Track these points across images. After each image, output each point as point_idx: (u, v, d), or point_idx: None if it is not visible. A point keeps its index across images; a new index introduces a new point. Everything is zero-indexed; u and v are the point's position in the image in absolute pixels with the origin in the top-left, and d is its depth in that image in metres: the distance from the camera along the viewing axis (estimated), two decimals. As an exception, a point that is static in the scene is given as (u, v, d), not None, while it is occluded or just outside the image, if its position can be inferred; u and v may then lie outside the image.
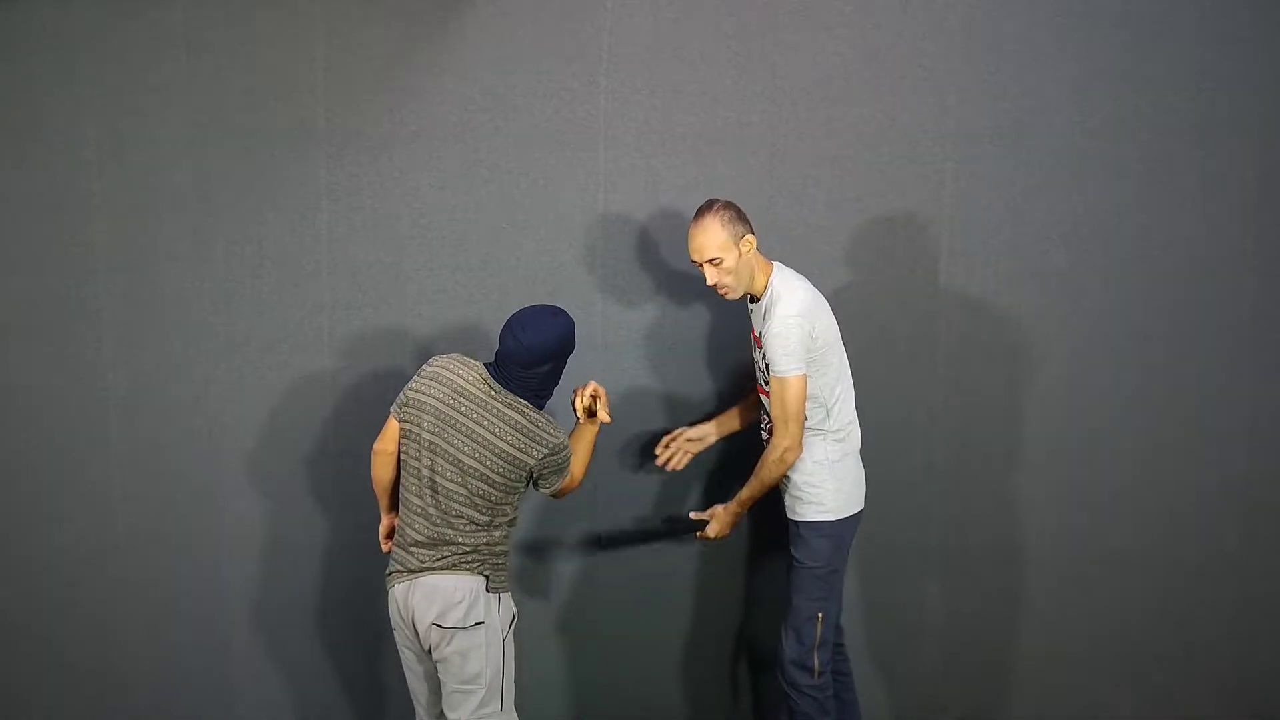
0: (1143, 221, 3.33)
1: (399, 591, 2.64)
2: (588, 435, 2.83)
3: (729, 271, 2.80)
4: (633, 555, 3.34)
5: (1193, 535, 3.44)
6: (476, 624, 2.57)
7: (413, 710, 2.84)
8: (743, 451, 3.22)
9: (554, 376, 2.67)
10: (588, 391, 2.79)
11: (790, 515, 2.97)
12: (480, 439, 2.56)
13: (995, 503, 3.41)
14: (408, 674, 2.76)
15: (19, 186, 3.10)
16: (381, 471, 2.77)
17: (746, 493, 2.95)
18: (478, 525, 2.59)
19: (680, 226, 3.25)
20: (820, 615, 2.91)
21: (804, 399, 2.83)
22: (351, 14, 3.11)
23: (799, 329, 2.79)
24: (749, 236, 2.81)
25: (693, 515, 3.09)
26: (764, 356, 2.88)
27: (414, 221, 3.20)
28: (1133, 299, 3.35)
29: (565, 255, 3.24)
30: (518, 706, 2.71)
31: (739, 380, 3.30)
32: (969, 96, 3.26)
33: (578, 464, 2.79)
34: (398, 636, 2.71)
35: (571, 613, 3.37)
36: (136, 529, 3.23)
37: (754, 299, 2.93)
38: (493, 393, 2.59)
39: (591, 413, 2.80)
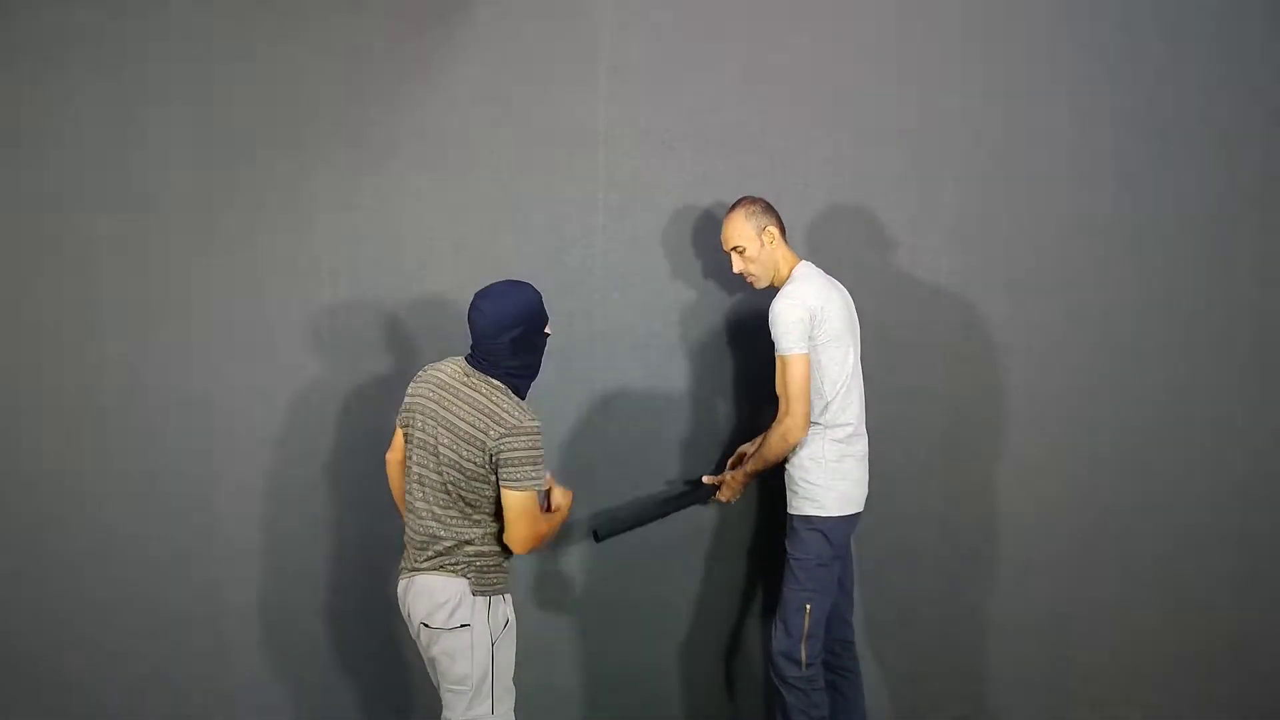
0: (1143, 222, 3.34)
1: (401, 589, 2.66)
2: (555, 518, 2.72)
3: (752, 260, 2.97)
4: (631, 555, 3.34)
5: (1193, 536, 3.45)
6: (462, 626, 2.56)
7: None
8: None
9: (525, 349, 2.59)
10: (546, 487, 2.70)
11: (788, 509, 3.03)
12: (452, 425, 2.55)
13: (995, 503, 3.41)
14: (427, 666, 2.77)
15: (19, 186, 3.10)
16: (393, 479, 2.82)
17: (751, 466, 3.05)
18: (456, 520, 2.57)
19: (680, 226, 3.26)
20: (808, 607, 2.94)
21: (806, 379, 2.88)
22: (351, 14, 3.11)
23: (794, 310, 2.87)
24: (771, 228, 2.96)
25: (705, 479, 3.18)
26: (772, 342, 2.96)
27: (414, 221, 3.20)
28: (1132, 299, 3.36)
29: (565, 255, 3.24)
30: (518, 708, 2.70)
31: (739, 379, 3.30)
32: (969, 96, 3.26)
33: (543, 523, 2.62)
34: (410, 631, 2.72)
35: (571, 614, 3.37)
36: (136, 530, 3.23)
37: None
38: (466, 378, 2.59)
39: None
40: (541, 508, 2.62)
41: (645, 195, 3.24)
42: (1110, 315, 3.36)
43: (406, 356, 3.23)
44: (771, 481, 3.27)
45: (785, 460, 3.00)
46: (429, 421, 2.59)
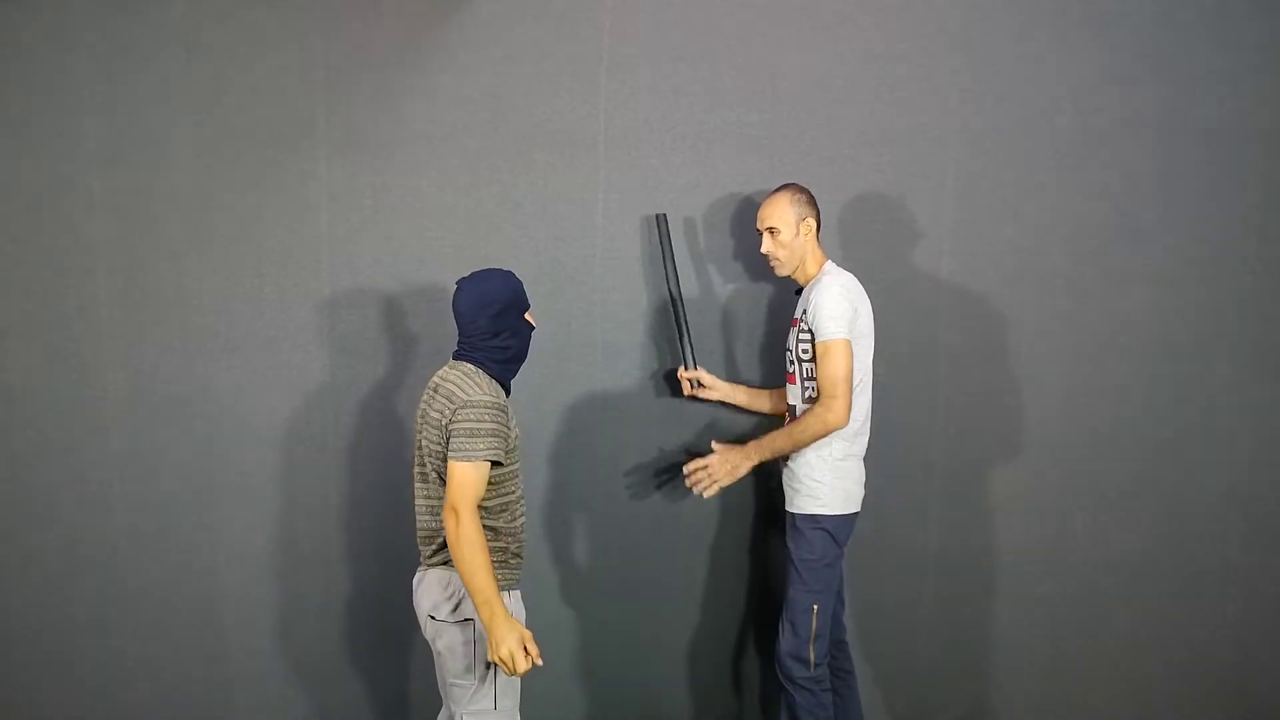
0: (1143, 221, 3.34)
1: (414, 582, 2.69)
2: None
3: (782, 246, 2.99)
4: (635, 552, 3.34)
5: (1193, 537, 3.44)
6: (465, 620, 2.57)
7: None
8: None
9: (505, 329, 2.60)
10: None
11: (789, 508, 3.01)
12: (426, 415, 2.60)
13: (994, 503, 3.41)
14: (435, 661, 2.77)
15: (19, 186, 3.10)
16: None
17: (774, 440, 2.94)
18: (440, 508, 2.59)
19: (680, 226, 3.25)
20: (815, 608, 2.93)
21: (850, 366, 2.88)
22: (351, 14, 3.11)
23: (842, 299, 2.89)
24: (810, 220, 2.99)
25: (715, 445, 3.05)
26: (802, 334, 2.95)
27: (414, 221, 3.20)
28: (1133, 299, 3.35)
29: (565, 255, 3.24)
30: (523, 707, 2.70)
31: (739, 379, 3.30)
32: (969, 96, 3.26)
33: (466, 507, 2.46)
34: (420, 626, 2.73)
35: (575, 612, 3.37)
36: (136, 529, 3.23)
37: (801, 288, 3.05)
38: (447, 372, 2.61)
39: None
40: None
41: (645, 195, 3.24)
42: (1111, 315, 3.35)
43: (406, 356, 3.23)
44: (768, 480, 3.28)
45: (786, 456, 3.00)
46: (418, 420, 2.63)
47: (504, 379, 2.64)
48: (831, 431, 2.90)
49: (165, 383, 3.19)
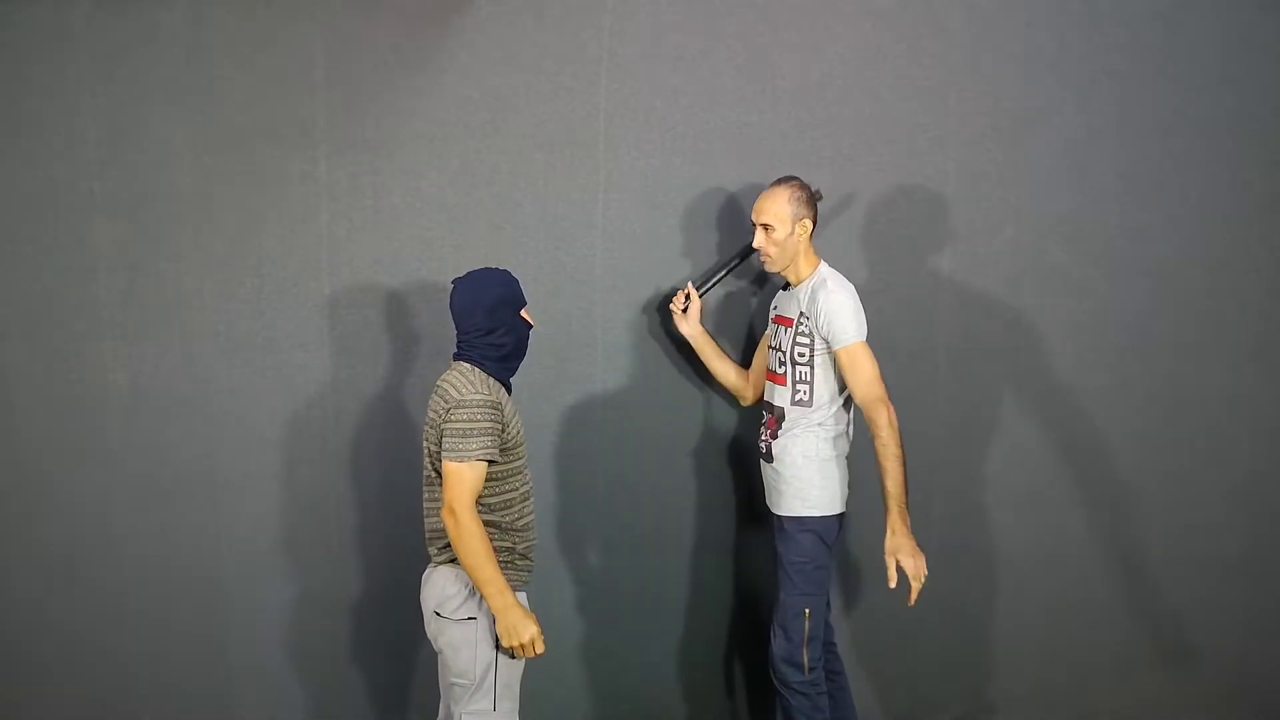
0: (1143, 221, 3.34)
1: (422, 579, 2.70)
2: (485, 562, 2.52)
3: (776, 243, 2.93)
4: (629, 559, 3.34)
5: (1193, 535, 3.44)
6: (469, 619, 2.57)
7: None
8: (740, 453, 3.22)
9: (501, 326, 2.61)
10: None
11: (776, 510, 2.99)
12: (429, 418, 2.62)
13: (994, 502, 3.41)
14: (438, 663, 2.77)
15: (19, 186, 3.10)
16: None
17: (896, 494, 2.80)
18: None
19: (680, 226, 3.25)
20: (807, 611, 2.92)
21: (875, 363, 2.87)
22: (351, 14, 3.11)
23: (855, 300, 2.90)
24: (806, 221, 2.93)
25: (890, 583, 2.84)
26: (801, 338, 2.91)
27: (414, 221, 3.20)
28: (1133, 299, 3.35)
29: (565, 255, 3.24)
30: (523, 707, 2.70)
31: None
32: (969, 96, 3.26)
33: (463, 504, 2.48)
34: (425, 624, 2.73)
35: (573, 613, 3.37)
36: (137, 529, 3.23)
37: (789, 285, 3.01)
38: (447, 374, 2.62)
39: None
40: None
41: (645, 195, 3.23)
42: (1111, 315, 3.35)
43: (406, 356, 3.23)
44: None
45: (769, 458, 2.98)
46: (424, 424, 2.65)
47: (502, 377, 2.65)
48: (896, 426, 2.83)
49: (165, 383, 3.19)
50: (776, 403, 2.99)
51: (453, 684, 2.61)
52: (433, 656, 2.84)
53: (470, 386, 2.54)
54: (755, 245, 2.97)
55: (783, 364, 2.97)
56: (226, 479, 3.23)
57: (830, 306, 2.87)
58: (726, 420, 3.32)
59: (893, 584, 2.83)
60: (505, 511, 2.62)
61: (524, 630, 2.51)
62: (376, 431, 3.25)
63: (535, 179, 3.20)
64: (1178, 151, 3.32)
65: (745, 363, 3.26)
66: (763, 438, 3.03)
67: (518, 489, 2.64)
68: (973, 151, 3.28)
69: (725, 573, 3.39)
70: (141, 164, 3.12)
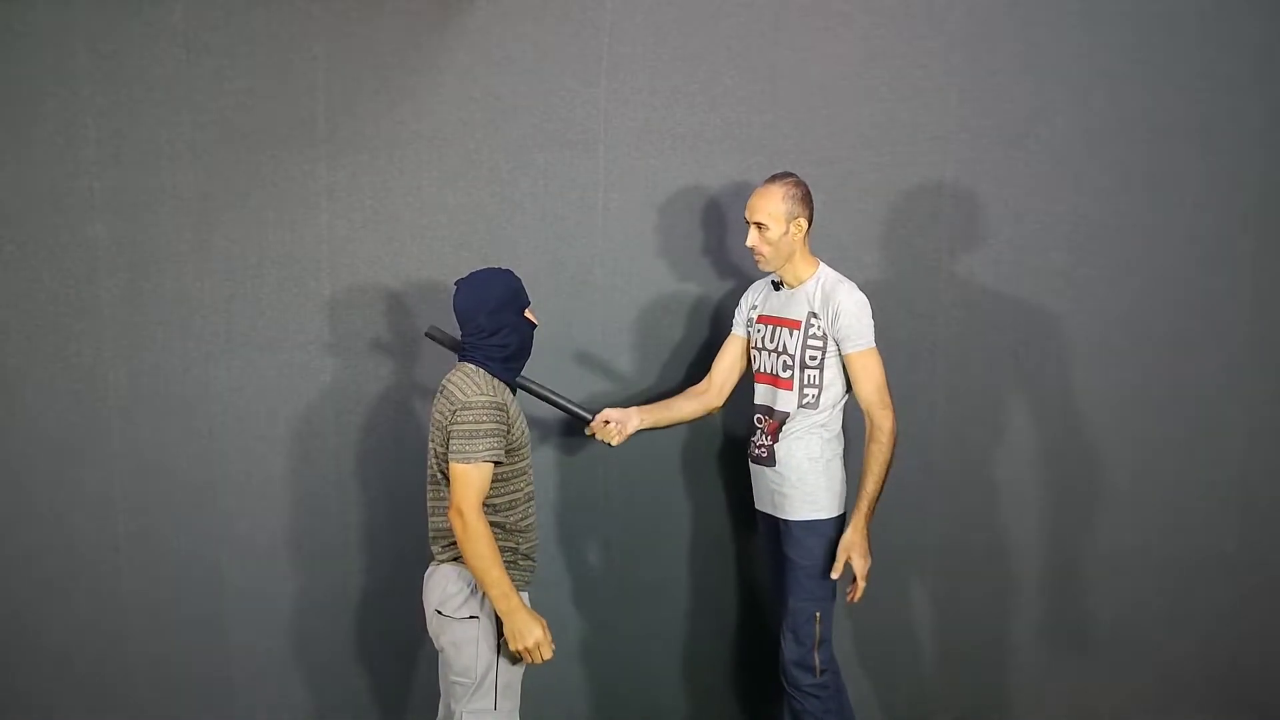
0: (1143, 221, 3.34)
1: (424, 578, 2.70)
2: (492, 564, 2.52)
3: (769, 242, 2.85)
4: (629, 559, 3.34)
5: (1191, 534, 3.45)
6: (470, 617, 2.57)
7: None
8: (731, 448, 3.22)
9: (504, 326, 2.61)
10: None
11: (781, 515, 2.96)
12: (434, 419, 2.62)
13: (993, 502, 3.41)
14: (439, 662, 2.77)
15: (19, 186, 3.10)
16: None
17: (868, 497, 2.83)
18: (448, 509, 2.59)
19: (680, 226, 3.25)
20: (818, 615, 2.91)
21: (883, 367, 2.87)
22: (351, 14, 3.11)
23: (866, 304, 2.87)
24: (801, 220, 2.86)
25: (834, 573, 2.87)
26: (812, 341, 2.87)
27: (414, 221, 3.20)
28: (1133, 299, 3.36)
29: (565, 255, 3.24)
30: (523, 707, 2.70)
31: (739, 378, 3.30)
32: (969, 96, 3.26)
33: (471, 506, 2.48)
34: (427, 622, 2.73)
35: (574, 613, 3.37)
36: (137, 529, 3.23)
37: (782, 284, 2.96)
38: (452, 375, 2.62)
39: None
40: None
41: (645, 195, 3.24)
42: (1112, 314, 3.36)
43: (406, 356, 3.23)
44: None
45: (768, 462, 2.95)
46: (429, 424, 2.65)
47: (507, 378, 2.65)
48: (896, 435, 2.85)
49: (166, 383, 3.19)
50: (780, 407, 2.93)
51: (454, 682, 2.61)
52: (434, 655, 2.84)
53: (475, 388, 2.54)
54: (748, 245, 2.89)
55: (788, 367, 2.91)
56: (226, 479, 3.23)
57: (848, 309, 2.83)
58: (726, 421, 3.32)
59: (836, 575, 2.87)
60: (510, 512, 2.62)
61: (530, 633, 2.51)
62: (376, 431, 3.25)
63: (535, 179, 3.21)
64: (1176, 152, 3.32)
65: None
66: (760, 442, 2.99)
67: (522, 490, 2.64)
68: (973, 151, 3.28)
69: (725, 573, 3.39)
70: (141, 164, 3.12)
